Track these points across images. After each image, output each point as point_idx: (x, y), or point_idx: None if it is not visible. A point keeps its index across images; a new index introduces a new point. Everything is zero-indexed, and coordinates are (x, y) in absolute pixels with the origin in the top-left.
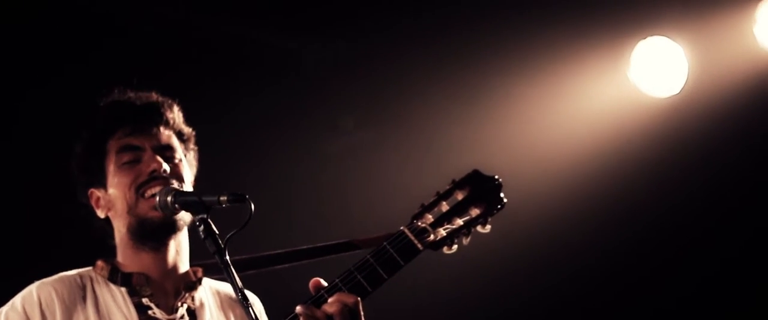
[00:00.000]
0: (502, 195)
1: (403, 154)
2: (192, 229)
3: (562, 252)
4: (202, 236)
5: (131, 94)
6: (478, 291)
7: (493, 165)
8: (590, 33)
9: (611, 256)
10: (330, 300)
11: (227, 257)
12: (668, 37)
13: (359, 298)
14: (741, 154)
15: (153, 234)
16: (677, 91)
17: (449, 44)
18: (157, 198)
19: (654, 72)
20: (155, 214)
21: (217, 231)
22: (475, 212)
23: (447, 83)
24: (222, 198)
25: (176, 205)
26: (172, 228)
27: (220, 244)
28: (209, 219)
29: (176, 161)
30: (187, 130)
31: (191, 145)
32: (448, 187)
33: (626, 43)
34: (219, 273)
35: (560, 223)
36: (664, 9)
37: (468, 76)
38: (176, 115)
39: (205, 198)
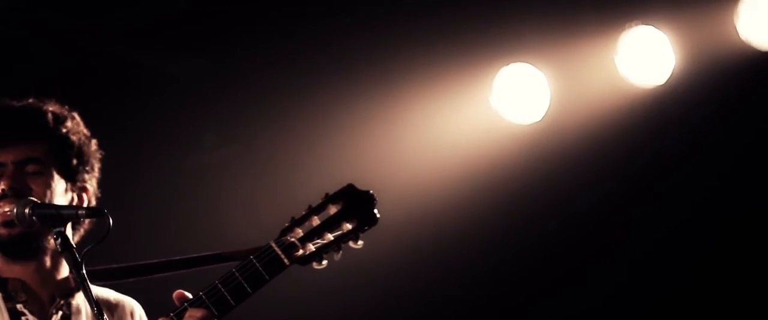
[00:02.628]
0: (375, 211)
1: (267, 171)
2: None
3: (417, 285)
4: (59, 249)
5: (13, 102)
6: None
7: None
8: (453, 58)
9: (470, 287)
10: (185, 315)
11: (84, 271)
12: (531, 63)
13: (212, 313)
14: (601, 180)
15: (6, 250)
16: (539, 118)
17: (312, 64)
18: (15, 210)
19: (516, 98)
20: (3, 231)
21: (74, 245)
22: (346, 227)
23: (309, 102)
24: (80, 212)
25: (34, 218)
26: (22, 245)
27: (77, 258)
28: (67, 233)
29: (34, 175)
30: (70, 137)
31: (76, 152)
32: (320, 201)
33: (489, 69)
34: (103, 279)
35: (419, 250)
36: (527, 36)
37: (330, 97)
38: (55, 123)
39: (63, 212)
